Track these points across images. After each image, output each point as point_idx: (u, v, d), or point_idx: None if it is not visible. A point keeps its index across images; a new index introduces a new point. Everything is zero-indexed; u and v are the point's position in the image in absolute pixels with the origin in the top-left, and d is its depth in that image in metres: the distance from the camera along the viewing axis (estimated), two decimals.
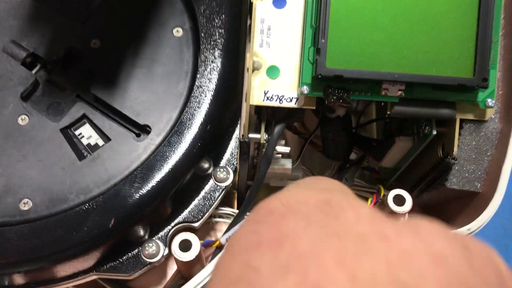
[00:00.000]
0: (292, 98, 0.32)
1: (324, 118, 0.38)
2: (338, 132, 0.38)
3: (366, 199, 0.42)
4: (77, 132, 0.35)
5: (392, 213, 0.36)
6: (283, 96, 0.32)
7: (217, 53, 0.37)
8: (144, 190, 0.33)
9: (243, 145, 0.33)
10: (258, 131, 0.34)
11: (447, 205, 0.39)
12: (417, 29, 0.30)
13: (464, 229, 0.33)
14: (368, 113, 0.44)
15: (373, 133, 0.46)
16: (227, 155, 0.38)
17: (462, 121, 0.33)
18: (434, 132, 0.34)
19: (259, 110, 0.34)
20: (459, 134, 0.33)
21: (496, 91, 0.33)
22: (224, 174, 0.37)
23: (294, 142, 0.49)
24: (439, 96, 0.32)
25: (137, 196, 0.33)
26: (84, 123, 0.36)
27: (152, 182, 0.33)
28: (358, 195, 0.42)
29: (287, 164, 0.38)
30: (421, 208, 0.45)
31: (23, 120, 0.35)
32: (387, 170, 0.43)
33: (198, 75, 0.36)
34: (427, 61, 0.30)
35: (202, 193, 0.37)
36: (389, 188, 0.43)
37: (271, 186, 0.42)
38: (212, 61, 0.37)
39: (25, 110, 0.35)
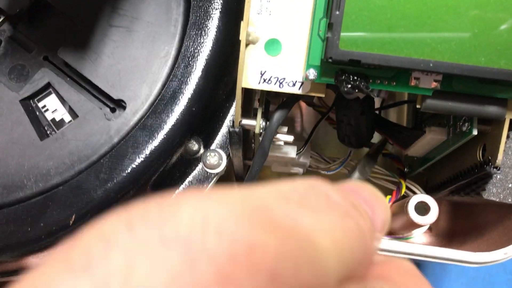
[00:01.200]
0: (296, 82, 0.25)
1: (340, 98, 0.31)
2: (355, 117, 0.31)
3: (385, 189, 0.36)
4: (40, 104, 0.30)
5: (412, 223, 0.29)
6: (284, 79, 0.25)
7: (212, 12, 0.30)
8: (112, 183, 0.27)
9: (233, 136, 0.27)
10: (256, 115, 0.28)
11: (481, 209, 0.33)
12: (463, 5, 0.22)
13: (500, 252, 0.27)
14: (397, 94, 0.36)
15: (403, 116, 0.39)
16: (220, 137, 0.32)
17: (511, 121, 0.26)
18: (475, 132, 0.27)
19: (253, 93, 0.27)
20: (507, 137, 0.26)
21: None
22: (216, 160, 0.31)
23: (309, 116, 0.42)
24: (487, 92, 0.24)
25: (103, 189, 0.27)
26: (50, 94, 0.30)
27: (123, 173, 0.27)
28: (375, 184, 0.36)
29: (291, 152, 0.31)
30: (450, 205, 0.38)
31: None
32: (413, 159, 0.36)
33: (186, 39, 0.29)
34: (474, 47, 0.23)
35: (188, 180, 0.31)
36: (414, 179, 0.37)
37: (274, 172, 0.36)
38: (205, 23, 0.30)
39: None
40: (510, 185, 0.27)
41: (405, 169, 0.36)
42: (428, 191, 0.36)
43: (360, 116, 0.31)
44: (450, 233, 0.38)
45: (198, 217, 0.10)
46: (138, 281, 0.10)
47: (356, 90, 0.24)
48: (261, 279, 0.10)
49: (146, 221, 0.10)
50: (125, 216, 0.11)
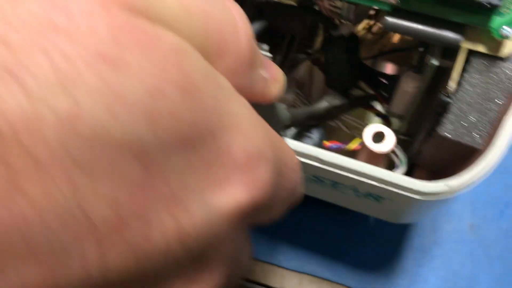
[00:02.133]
0: None
1: (328, 39, 0.34)
2: (339, 55, 0.33)
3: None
4: None
5: (371, 153, 0.31)
6: None
7: None
8: None
9: None
10: None
11: (451, 169, 0.33)
12: None
13: (442, 183, 0.28)
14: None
15: None
16: None
17: (471, 54, 0.27)
18: (435, 63, 0.28)
19: None
20: (465, 70, 0.27)
21: None
22: None
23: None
24: (443, 14, 0.26)
25: None
26: None
27: None
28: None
29: None
30: (429, 173, 0.38)
31: None
32: (399, 121, 0.37)
33: None
34: None
35: None
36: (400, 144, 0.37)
37: None
38: None
39: None
40: (465, 124, 0.28)
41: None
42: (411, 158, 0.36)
43: (343, 54, 0.33)
44: None
45: None
46: None
47: None
48: None
49: None
50: None
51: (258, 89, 0.17)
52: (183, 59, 0.11)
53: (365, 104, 0.36)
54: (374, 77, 0.35)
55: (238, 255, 0.15)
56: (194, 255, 0.12)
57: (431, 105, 0.31)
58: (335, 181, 0.31)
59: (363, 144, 0.31)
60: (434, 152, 0.32)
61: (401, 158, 0.35)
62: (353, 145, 0.33)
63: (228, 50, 0.14)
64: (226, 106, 0.13)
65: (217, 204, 0.12)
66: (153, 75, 0.10)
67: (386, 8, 0.26)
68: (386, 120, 0.38)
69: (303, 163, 0.29)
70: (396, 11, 0.26)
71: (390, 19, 0.27)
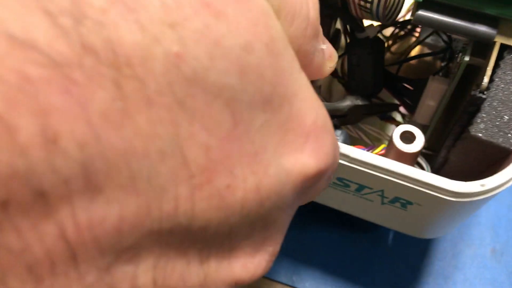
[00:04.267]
0: None
1: (352, 40, 0.33)
2: (364, 56, 0.33)
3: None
4: None
5: (400, 153, 0.29)
6: None
7: None
8: None
9: None
10: None
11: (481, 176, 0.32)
12: None
13: (477, 183, 0.26)
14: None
15: None
16: None
17: (504, 49, 0.27)
18: (467, 59, 0.27)
19: None
20: (498, 66, 0.27)
21: None
22: None
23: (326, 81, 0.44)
24: (474, 5, 0.25)
25: None
26: None
27: None
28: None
29: None
30: None
31: None
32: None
33: None
34: None
35: None
36: (423, 154, 0.36)
37: None
38: None
39: None
40: (498, 123, 0.27)
41: None
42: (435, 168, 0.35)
43: (367, 56, 0.32)
44: None
45: None
46: None
47: None
48: None
49: None
50: None
51: (318, 61, 0.18)
52: (269, 22, 0.12)
53: (388, 110, 0.35)
54: (398, 83, 0.34)
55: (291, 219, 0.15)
56: (263, 217, 0.12)
57: (461, 107, 0.30)
58: (362, 184, 0.30)
59: (390, 146, 0.30)
60: (463, 158, 0.30)
61: (426, 168, 0.34)
62: (379, 150, 0.32)
63: (300, 15, 0.15)
64: (298, 75, 0.13)
65: (288, 167, 0.13)
66: (247, 30, 0.11)
67: None
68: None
69: None
70: (428, 4, 0.26)
71: (423, 12, 0.26)
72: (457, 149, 0.30)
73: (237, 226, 0.12)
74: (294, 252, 0.42)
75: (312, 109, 0.14)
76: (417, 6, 0.26)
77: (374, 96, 0.35)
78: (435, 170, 0.34)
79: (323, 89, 0.39)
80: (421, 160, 0.35)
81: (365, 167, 0.27)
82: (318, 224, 0.43)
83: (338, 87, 0.36)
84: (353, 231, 0.43)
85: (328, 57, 0.21)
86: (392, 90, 0.35)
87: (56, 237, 0.09)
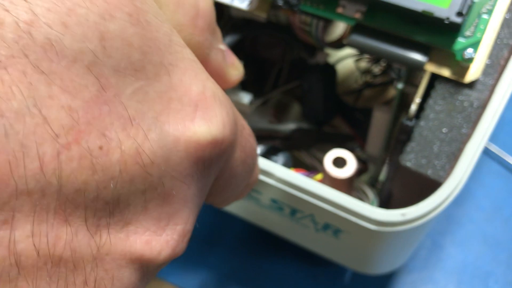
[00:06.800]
0: None
1: (303, 66, 0.33)
2: (315, 83, 0.33)
3: None
4: None
5: (333, 180, 0.29)
6: None
7: None
8: None
9: None
10: None
11: None
12: None
13: (397, 212, 0.26)
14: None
15: None
16: None
17: (436, 79, 0.26)
18: (400, 86, 0.27)
19: None
20: (430, 96, 0.26)
21: (491, 52, 0.26)
22: None
23: None
24: (406, 32, 0.25)
25: None
26: None
27: None
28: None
29: (245, 98, 0.33)
30: None
31: None
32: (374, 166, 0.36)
33: None
34: None
35: None
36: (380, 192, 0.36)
37: None
38: None
39: None
40: (427, 154, 0.26)
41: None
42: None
43: (319, 82, 0.33)
44: None
45: None
46: None
47: (288, 7, 0.27)
48: None
49: None
50: None
51: (217, 60, 0.19)
52: None
53: (342, 140, 0.35)
54: (351, 113, 0.34)
55: (201, 200, 0.15)
56: (155, 186, 0.13)
57: (395, 136, 0.29)
58: (293, 207, 0.29)
59: (324, 171, 0.29)
60: (402, 189, 0.30)
61: (371, 198, 0.33)
62: (320, 176, 0.32)
63: (186, 2, 0.16)
64: (180, 49, 0.14)
65: (175, 134, 0.13)
66: (105, 1, 0.12)
67: (350, 22, 0.26)
68: (364, 164, 0.36)
69: (260, 181, 0.28)
70: (361, 28, 0.26)
71: (355, 37, 0.26)
72: (396, 180, 0.30)
73: (125, 194, 0.12)
74: (247, 283, 0.41)
75: (197, 80, 0.14)
76: (350, 30, 0.26)
77: (326, 123, 0.35)
78: (383, 204, 0.33)
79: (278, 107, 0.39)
80: (368, 191, 0.34)
81: (293, 188, 0.27)
82: (270, 254, 0.42)
83: (296, 109, 0.36)
84: (309, 263, 0.42)
85: (231, 64, 0.21)
86: (348, 119, 0.34)
87: None
